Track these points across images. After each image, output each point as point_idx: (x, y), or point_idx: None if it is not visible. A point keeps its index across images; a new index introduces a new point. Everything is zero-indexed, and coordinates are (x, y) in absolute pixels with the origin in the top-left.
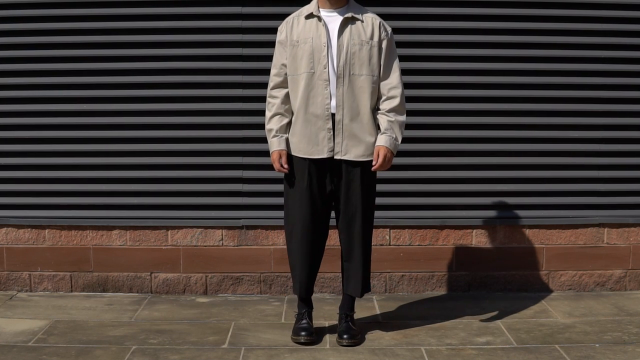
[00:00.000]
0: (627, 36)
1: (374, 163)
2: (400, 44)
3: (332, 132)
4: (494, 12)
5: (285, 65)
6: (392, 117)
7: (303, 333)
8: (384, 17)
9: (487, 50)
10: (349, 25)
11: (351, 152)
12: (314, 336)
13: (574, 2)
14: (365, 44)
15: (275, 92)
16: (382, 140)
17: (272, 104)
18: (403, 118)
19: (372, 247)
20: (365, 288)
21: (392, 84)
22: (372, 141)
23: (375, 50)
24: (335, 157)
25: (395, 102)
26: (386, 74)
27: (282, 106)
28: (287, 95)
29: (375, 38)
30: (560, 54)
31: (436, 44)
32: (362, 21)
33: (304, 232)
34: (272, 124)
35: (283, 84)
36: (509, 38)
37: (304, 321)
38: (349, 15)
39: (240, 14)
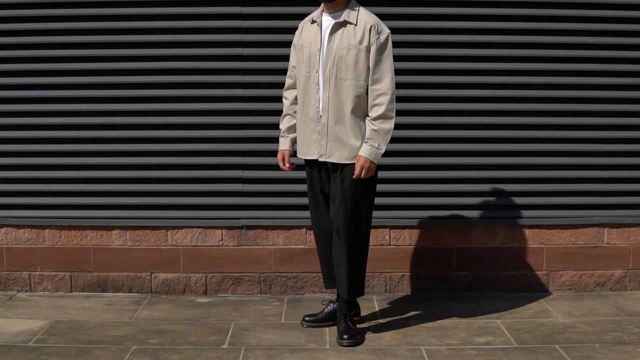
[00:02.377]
0: (627, 36)
1: (355, 172)
2: (400, 44)
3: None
4: (494, 12)
5: (295, 68)
6: (377, 125)
7: (307, 318)
8: (384, 17)
9: (487, 50)
10: (341, 30)
11: (335, 155)
12: (317, 325)
13: (575, 2)
14: (353, 48)
15: (287, 94)
16: (363, 150)
17: (284, 105)
18: (388, 125)
19: (372, 247)
20: (352, 291)
21: (380, 90)
22: (357, 145)
23: (362, 54)
24: (320, 159)
25: (380, 109)
26: (374, 79)
27: (292, 107)
28: (296, 97)
29: (365, 42)
30: (560, 54)
31: (436, 44)
32: (355, 25)
33: (314, 228)
34: (282, 124)
35: (293, 86)
36: (509, 38)
37: (324, 309)
38: (340, 19)
39: (240, 14)
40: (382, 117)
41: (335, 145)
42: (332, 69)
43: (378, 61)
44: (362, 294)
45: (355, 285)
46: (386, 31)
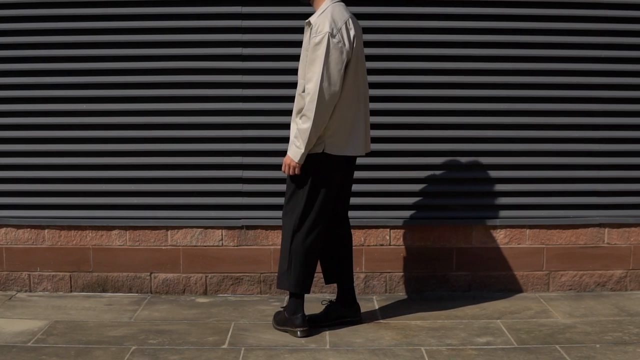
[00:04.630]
0: (627, 36)
1: None
2: (400, 44)
3: None
4: (492, 12)
5: None
6: (299, 124)
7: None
8: (378, 16)
9: (488, 50)
10: (305, 31)
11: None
12: (317, 325)
13: (574, 2)
14: (304, 50)
15: None
16: (289, 148)
17: None
18: (306, 125)
19: (372, 247)
20: (279, 280)
21: (307, 90)
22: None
23: (303, 55)
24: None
25: (303, 110)
26: (307, 79)
27: None
28: None
29: (304, 44)
30: (561, 54)
31: (437, 44)
32: (312, 27)
33: None
34: None
35: None
36: (509, 38)
37: (324, 309)
38: (306, 21)
39: (240, 14)
40: (303, 116)
41: (291, 141)
42: (299, 70)
43: (311, 61)
44: (287, 288)
45: (280, 277)
46: (323, 31)
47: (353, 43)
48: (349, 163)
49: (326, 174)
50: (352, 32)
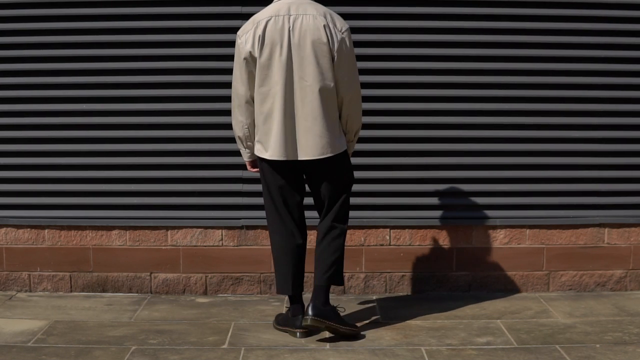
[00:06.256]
0: (627, 36)
1: None
2: (401, 44)
3: None
4: (493, 12)
5: None
6: None
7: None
8: (378, 16)
9: (488, 50)
10: None
11: None
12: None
13: (573, 2)
14: None
15: None
16: None
17: None
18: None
19: (372, 247)
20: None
21: None
22: None
23: None
24: None
25: None
26: None
27: None
28: None
29: None
30: (560, 54)
31: (438, 44)
32: None
33: None
34: None
35: None
36: (509, 38)
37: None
38: None
39: (240, 14)
40: None
41: None
42: None
43: None
44: (278, 290)
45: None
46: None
47: (258, 44)
48: (290, 167)
49: (265, 176)
50: (258, 32)
